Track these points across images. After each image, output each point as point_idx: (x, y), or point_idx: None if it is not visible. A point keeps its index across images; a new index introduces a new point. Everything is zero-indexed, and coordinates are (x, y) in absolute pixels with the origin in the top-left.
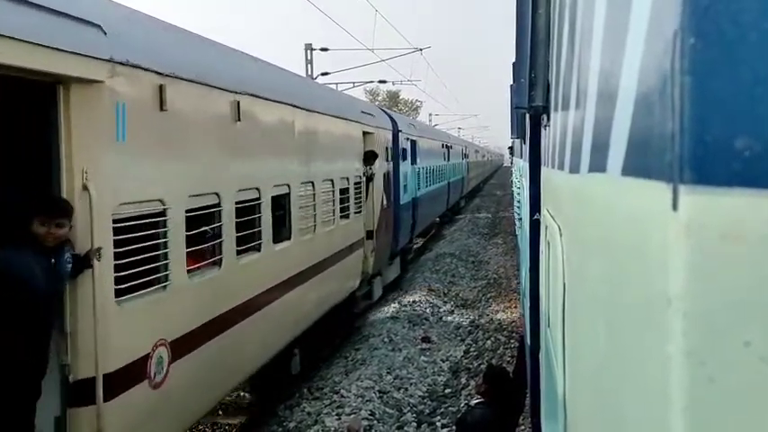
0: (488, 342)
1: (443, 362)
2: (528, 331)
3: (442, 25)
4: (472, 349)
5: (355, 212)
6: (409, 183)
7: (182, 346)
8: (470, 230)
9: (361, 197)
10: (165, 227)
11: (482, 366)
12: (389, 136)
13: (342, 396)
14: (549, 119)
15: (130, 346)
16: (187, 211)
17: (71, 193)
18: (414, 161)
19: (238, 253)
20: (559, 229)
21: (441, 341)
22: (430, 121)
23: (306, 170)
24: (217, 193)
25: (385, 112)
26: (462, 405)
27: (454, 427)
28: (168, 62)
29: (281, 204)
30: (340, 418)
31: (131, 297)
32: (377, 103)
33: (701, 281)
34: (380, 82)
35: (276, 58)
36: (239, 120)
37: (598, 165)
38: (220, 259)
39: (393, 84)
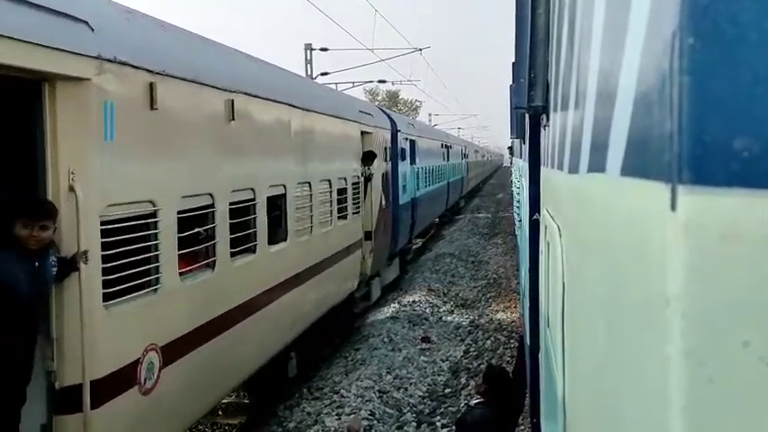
0: (488, 342)
1: (443, 362)
2: (527, 331)
3: (442, 25)
4: (472, 349)
5: (353, 213)
6: (408, 183)
7: (173, 351)
8: (470, 230)
9: (359, 197)
10: (155, 228)
11: (482, 366)
12: (388, 136)
13: (342, 396)
14: (548, 119)
15: (119, 352)
16: (179, 213)
17: (57, 194)
18: (413, 161)
19: (232, 255)
20: (559, 230)
21: (440, 341)
22: (430, 121)
23: (302, 170)
24: (210, 194)
25: (384, 112)
26: (462, 405)
27: (454, 427)
28: (159, 60)
29: (276, 205)
30: (340, 418)
31: (120, 301)
32: (376, 102)
33: (699, 281)
34: (380, 82)
35: (276, 58)
36: (233, 119)
37: (597, 165)
38: (214, 261)
39: (393, 84)
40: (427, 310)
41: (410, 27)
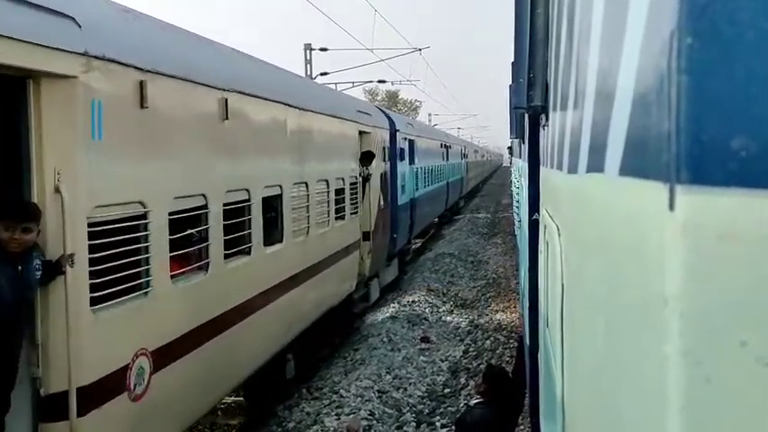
0: (487, 342)
1: (443, 362)
2: (527, 331)
3: (442, 25)
4: (471, 349)
5: (351, 213)
6: (407, 183)
7: (164, 356)
8: (470, 230)
9: (357, 198)
10: (146, 230)
11: (481, 366)
12: (387, 135)
13: (341, 396)
14: (547, 119)
15: (107, 357)
16: (170, 214)
17: (42, 195)
18: (412, 161)
19: (226, 257)
20: (558, 229)
21: (440, 341)
22: (429, 120)
23: (299, 170)
24: (203, 195)
25: (382, 112)
26: (461, 405)
27: (453, 427)
28: (149, 57)
29: (272, 206)
30: (339, 419)
31: (108, 305)
32: (376, 102)
33: (697, 281)
34: (380, 82)
35: (276, 58)
36: (227, 118)
37: (596, 165)
38: (207, 263)
39: (392, 84)
40: (427, 310)
41: (410, 27)
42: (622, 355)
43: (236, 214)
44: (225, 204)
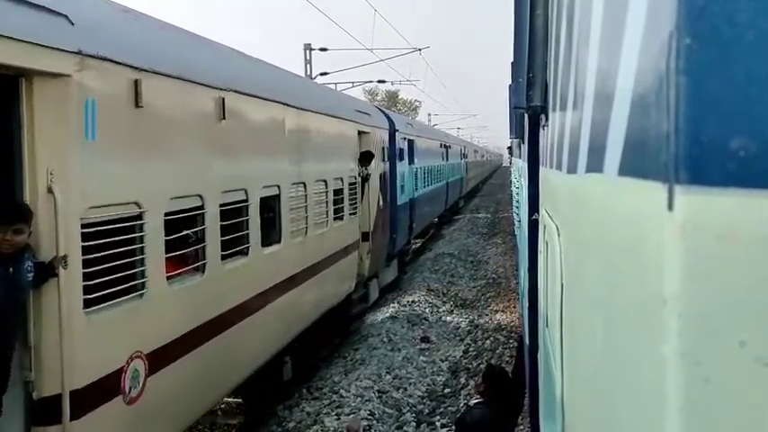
0: (487, 342)
1: (442, 362)
2: (527, 331)
3: (441, 25)
4: (471, 349)
5: (350, 214)
6: (406, 183)
7: (160, 359)
8: (469, 230)
9: (356, 198)
10: (141, 231)
11: (481, 366)
12: (386, 135)
13: (341, 396)
14: (547, 119)
15: (101, 360)
16: (166, 214)
17: (34, 196)
18: (411, 161)
19: (223, 258)
20: (557, 230)
21: (440, 341)
22: (429, 120)
23: (297, 170)
24: (200, 195)
25: (382, 112)
26: (461, 405)
27: (453, 427)
28: (145, 56)
29: (270, 206)
30: (339, 418)
31: (102, 307)
32: (376, 102)
33: (696, 281)
34: (379, 82)
35: (276, 58)
36: (224, 118)
37: (595, 165)
38: (204, 265)
39: (392, 84)
40: (426, 310)
41: (409, 27)
42: (621, 356)
43: (233, 215)
44: (222, 205)
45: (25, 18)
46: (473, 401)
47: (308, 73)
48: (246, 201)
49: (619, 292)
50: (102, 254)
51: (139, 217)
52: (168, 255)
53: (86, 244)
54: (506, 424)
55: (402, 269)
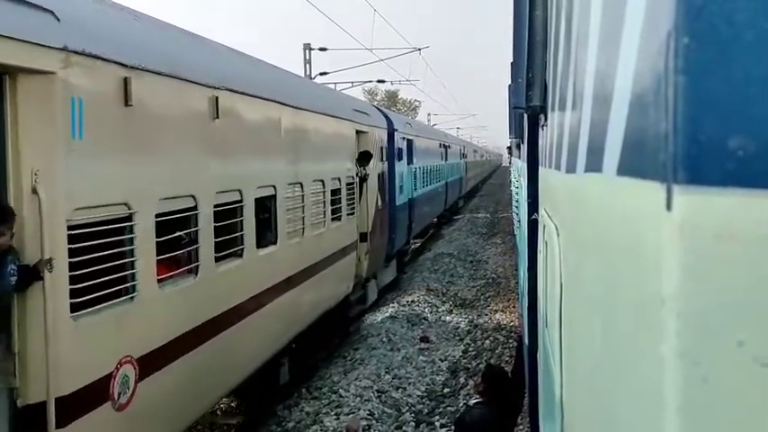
0: (487, 342)
1: (442, 361)
2: (526, 331)
3: (441, 25)
4: (471, 349)
5: (348, 214)
6: (405, 183)
7: (151, 363)
8: (469, 230)
9: (354, 198)
10: (131, 233)
11: (480, 366)
12: (385, 135)
13: (340, 396)
14: (546, 119)
15: (89, 366)
16: (158, 216)
17: (19, 197)
18: (410, 161)
19: (217, 259)
20: (557, 229)
21: (439, 341)
22: (428, 120)
23: (293, 170)
24: (193, 196)
25: (380, 111)
26: (461, 405)
27: (453, 427)
28: (135, 53)
29: (266, 207)
30: (339, 418)
31: (90, 311)
32: (375, 102)
33: (694, 281)
34: (379, 82)
35: (276, 58)
36: (217, 117)
37: (594, 165)
38: (197, 267)
39: (392, 83)
40: (426, 310)
41: (409, 27)
42: (620, 355)
43: (227, 216)
44: (216, 206)
45: (8, 14)
46: (472, 401)
47: (308, 73)
48: (241, 201)
49: (617, 292)
50: (90, 256)
51: (129, 218)
52: (160, 257)
53: (73, 246)
54: (506, 424)
55: (401, 270)
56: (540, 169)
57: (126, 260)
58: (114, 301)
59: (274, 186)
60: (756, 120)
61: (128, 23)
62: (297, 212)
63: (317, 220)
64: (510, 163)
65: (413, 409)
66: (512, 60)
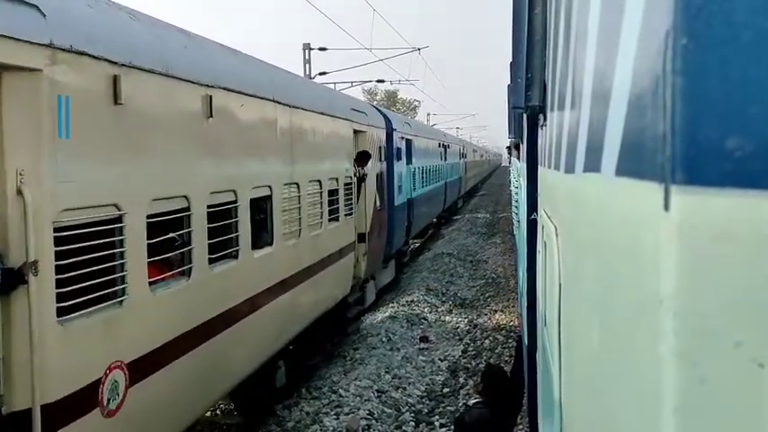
0: (486, 341)
1: (442, 361)
2: (525, 331)
3: (440, 25)
4: (470, 349)
5: (346, 215)
6: (404, 183)
7: (142, 368)
8: (468, 230)
9: (351, 199)
10: (120, 234)
11: (480, 366)
12: (383, 135)
13: (340, 396)
14: (545, 119)
15: (76, 371)
16: (149, 217)
17: (3, 198)
18: (409, 161)
19: (211, 261)
20: (555, 229)
21: (439, 341)
22: (428, 120)
23: (290, 171)
24: (185, 197)
25: (379, 111)
26: (460, 404)
27: (452, 427)
28: (124, 50)
29: (261, 207)
30: (338, 418)
31: (78, 315)
32: (375, 102)
33: (692, 281)
34: (378, 81)
35: (275, 58)
36: (211, 116)
37: (593, 165)
38: (190, 269)
39: (391, 83)
40: (426, 310)
41: (408, 27)
42: (618, 356)
43: (221, 216)
44: (209, 206)
45: None
46: (472, 401)
47: (307, 72)
48: (236, 202)
49: (616, 292)
50: (78, 259)
51: (119, 220)
52: (151, 259)
53: (60, 249)
54: (505, 423)
55: (399, 270)
56: (540, 169)
57: (115, 263)
58: (103, 304)
59: (270, 187)
60: (754, 120)
61: (118, 20)
62: (293, 213)
63: (313, 220)
64: (509, 163)
65: (412, 408)
66: (511, 60)
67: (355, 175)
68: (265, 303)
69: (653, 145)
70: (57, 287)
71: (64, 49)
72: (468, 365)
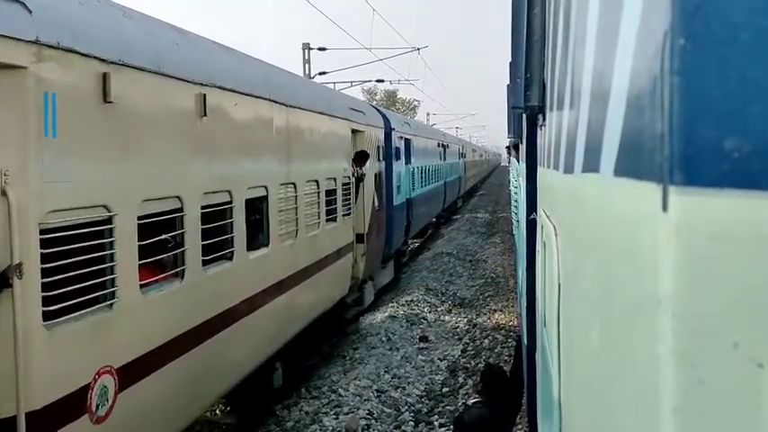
0: (486, 341)
1: (441, 361)
2: (525, 330)
3: (440, 25)
4: (470, 348)
5: (344, 215)
6: (403, 183)
7: (132, 373)
8: (468, 230)
9: (349, 199)
10: (110, 236)
11: (480, 365)
12: (381, 134)
13: (340, 395)
14: (544, 119)
15: (63, 377)
16: (140, 218)
17: None
18: (408, 161)
19: (205, 263)
20: (555, 229)
21: (438, 340)
22: (427, 120)
23: (286, 171)
24: (178, 197)
25: (377, 110)
26: (460, 404)
27: (452, 427)
28: (115, 47)
29: (257, 208)
30: (338, 418)
31: (65, 320)
32: (374, 102)
33: (690, 282)
34: (378, 81)
35: (275, 58)
36: (205, 115)
37: (591, 165)
38: (183, 270)
39: (390, 83)
40: (425, 310)
41: (408, 26)
42: (617, 356)
43: (216, 217)
44: (203, 207)
45: None
46: (471, 401)
47: (307, 72)
48: (231, 203)
49: (614, 292)
50: (65, 262)
51: (108, 221)
52: (142, 261)
53: (46, 251)
54: (505, 423)
55: (399, 270)
56: (539, 169)
57: (105, 265)
58: (92, 308)
59: (266, 187)
60: (752, 120)
61: (109, 17)
62: (290, 214)
63: (311, 221)
64: (509, 162)
65: (412, 408)
66: (510, 60)
67: (353, 174)
68: (261, 305)
69: (651, 145)
70: (43, 291)
71: (51, 46)
72: (468, 365)
